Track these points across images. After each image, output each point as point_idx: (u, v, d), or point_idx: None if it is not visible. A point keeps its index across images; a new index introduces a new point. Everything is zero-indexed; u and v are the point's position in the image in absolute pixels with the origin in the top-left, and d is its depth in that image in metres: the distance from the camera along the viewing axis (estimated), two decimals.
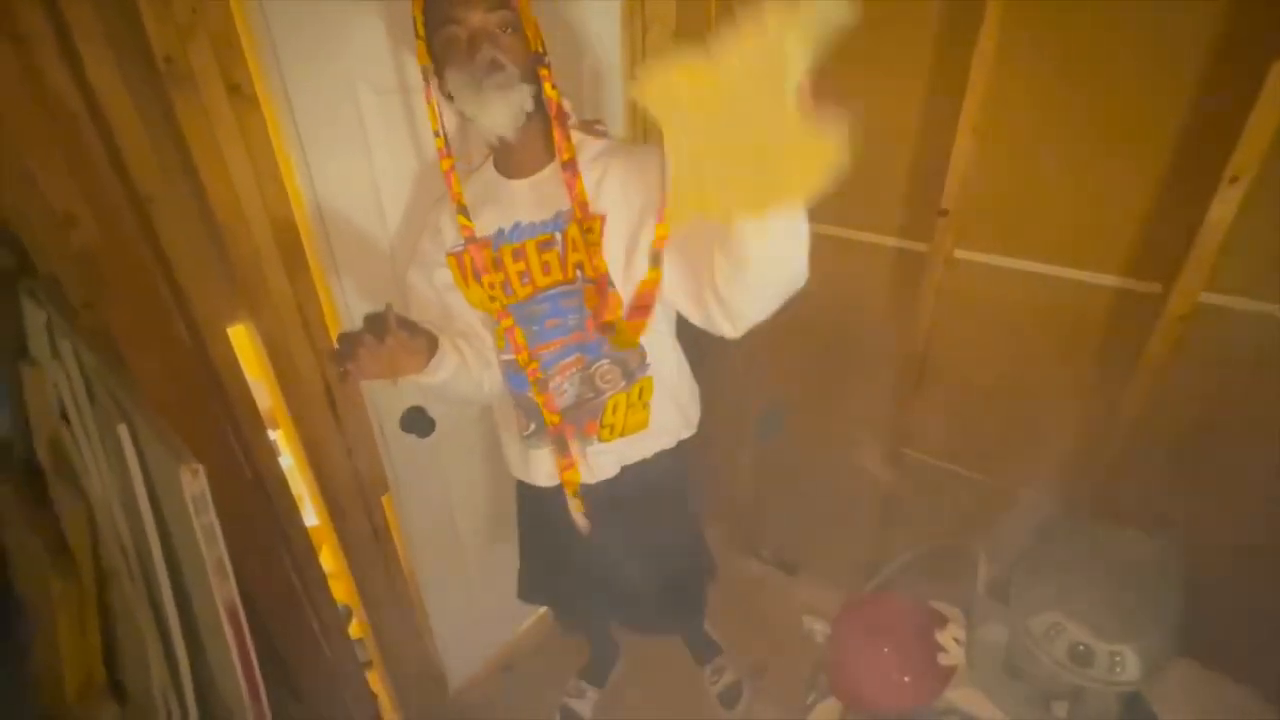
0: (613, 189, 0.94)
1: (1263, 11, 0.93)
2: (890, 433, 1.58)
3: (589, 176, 0.94)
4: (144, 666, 0.83)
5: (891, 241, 1.41)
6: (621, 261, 0.94)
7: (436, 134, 0.92)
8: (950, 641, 1.36)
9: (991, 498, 1.49)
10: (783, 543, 1.99)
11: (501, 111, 0.88)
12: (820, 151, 0.58)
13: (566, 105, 0.94)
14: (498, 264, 0.99)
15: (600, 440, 1.07)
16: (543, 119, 0.93)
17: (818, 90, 0.58)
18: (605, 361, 1.02)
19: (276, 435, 1.17)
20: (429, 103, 0.92)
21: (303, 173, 1.03)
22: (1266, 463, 1.12)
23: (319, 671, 1.23)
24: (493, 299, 0.98)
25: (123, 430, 0.67)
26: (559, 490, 1.11)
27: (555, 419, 1.04)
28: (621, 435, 1.07)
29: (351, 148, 1.08)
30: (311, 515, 1.24)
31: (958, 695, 1.32)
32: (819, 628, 1.73)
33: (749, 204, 0.63)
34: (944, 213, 1.27)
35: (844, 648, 1.48)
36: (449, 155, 0.93)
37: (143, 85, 0.81)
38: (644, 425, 1.08)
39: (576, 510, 1.11)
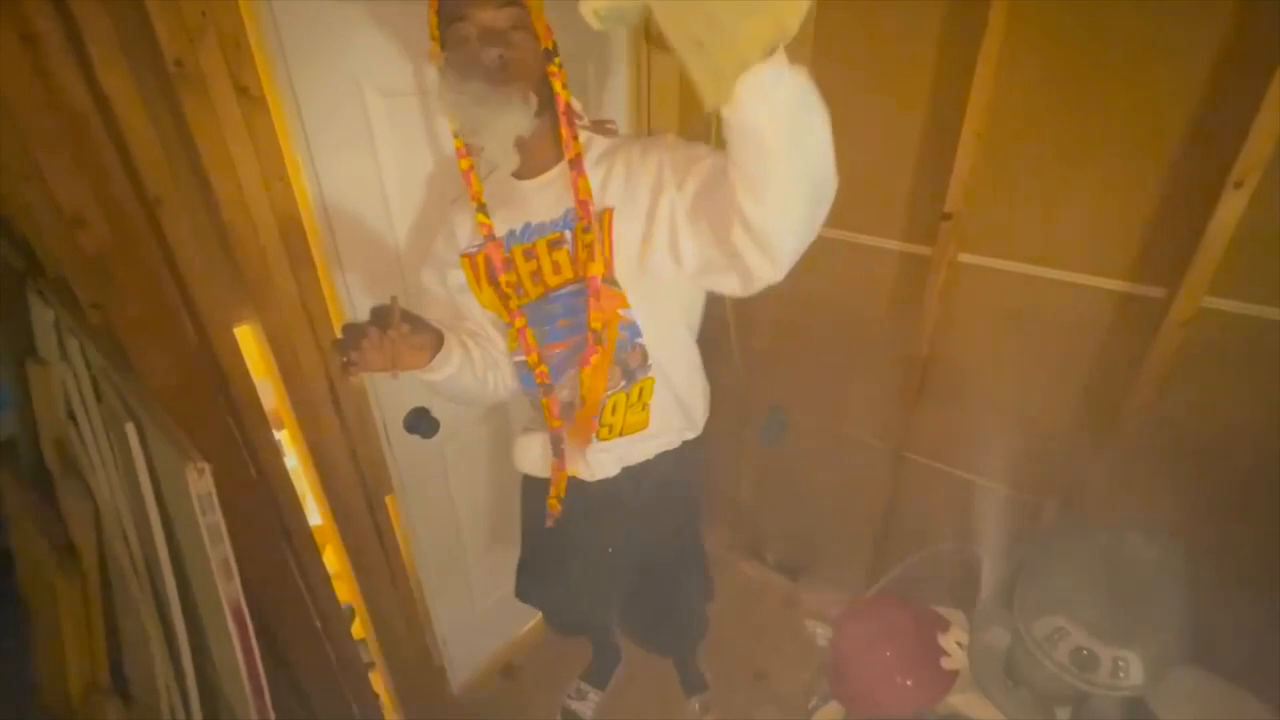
0: (618, 181, 0.94)
1: (1267, 18, 0.93)
2: (893, 436, 1.58)
3: (595, 174, 0.94)
4: (148, 665, 0.83)
5: (895, 245, 1.41)
6: (636, 250, 0.93)
7: (456, 134, 0.92)
8: (953, 646, 1.36)
9: (995, 502, 1.49)
10: (785, 546, 1.99)
11: (503, 120, 0.87)
12: None
13: (576, 105, 0.94)
14: (509, 264, 0.99)
15: (599, 439, 1.06)
16: (553, 119, 0.93)
17: None
18: None
19: (281, 435, 1.18)
20: (444, 101, 0.91)
21: (309, 174, 1.03)
22: (1270, 466, 1.12)
23: (322, 671, 1.23)
24: (506, 299, 0.98)
25: (130, 429, 0.68)
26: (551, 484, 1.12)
27: (556, 424, 1.04)
28: (621, 435, 1.06)
29: (358, 149, 1.08)
30: (315, 515, 1.24)
31: (960, 700, 1.32)
32: (821, 631, 1.73)
33: (747, 46, 0.58)
34: (947, 216, 1.27)
35: (846, 652, 1.48)
36: (467, 154, 0.93)
37: (152, 87, 0.81)
38: (644, 425, 1.07)
39: (552, 508, 1.13)
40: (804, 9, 0.55)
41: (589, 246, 0.93)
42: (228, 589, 0.63)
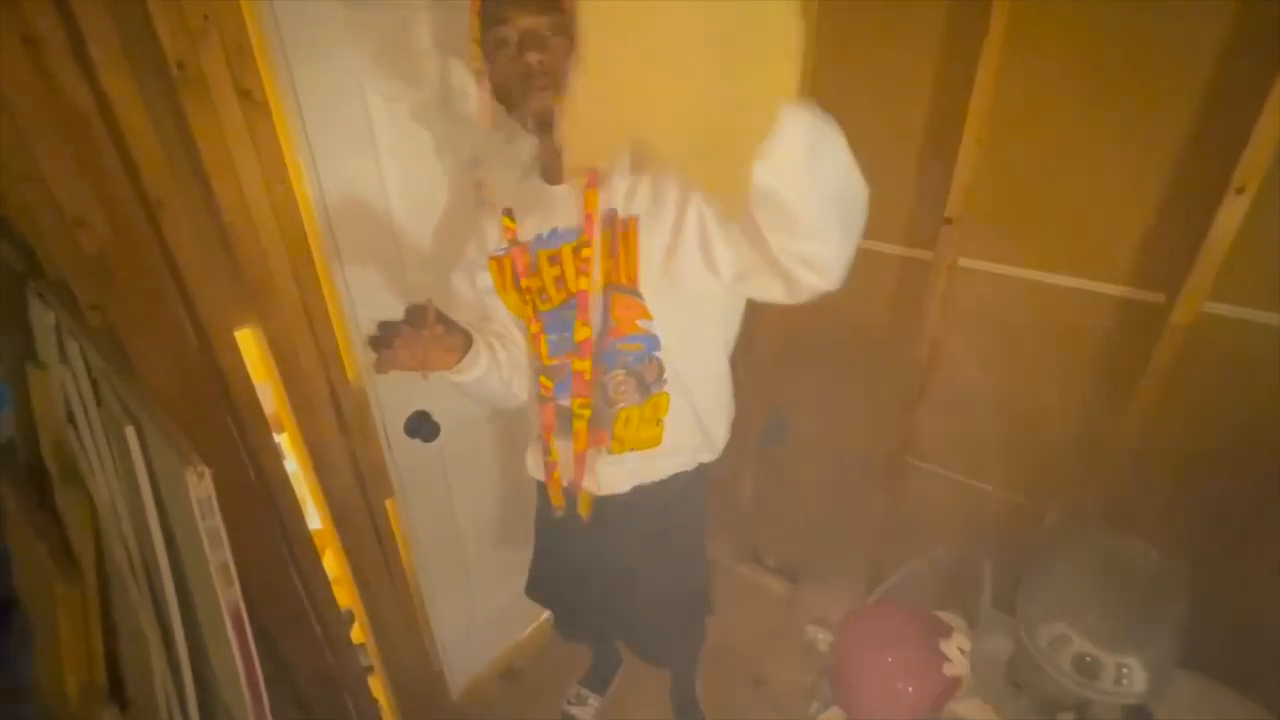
0: (645, 190, 0.92)
1: (1267, 23, 0.93)
2: (894, 441, 1.57)
3: (622, 184, 0.93)
4: (146, 670, 0.83)
5: (896, 250, 1.41)
6: (660, 261, 0.92)
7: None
8: (955, 652, 1.35)
9: (996, 507, 1.48)
10: (786, 551, 1.98)
11: (535, 120, 0.87)
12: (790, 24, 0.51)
13: None
14: (532, 268, 0.99)
15: (610, 452, 1.04)
16: None
17: None
18: (620, 372, 0.99)
19: (281, 438, 1.17)
20: (483, 105, 0.91)
21: (311, 177, 1.03)
22: (1272, 471, 1.12)
23: (321, 676, 1.23)
24: (526, 303, 0.98)
25: (130, 432, 0.68)
26: (566, 494, 1.11)
27: (548, 433, 1.04)
28: (632, 449, 1.04)
29: (360, 152, 1.08)
30: (315, 519, 1.24)
31: (962, 707, 1.31)
32: (822, 636, 1.73)
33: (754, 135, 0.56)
34: (948, 221, 1.27)
35: (847, 657, 1.47)
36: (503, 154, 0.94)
37: (154, 90, 0.81)
38: (656, 442, 1.04)
39: (556, 502, 1.11)
40: (796, 71, 0.53)
41: (585, 260, 0.93)
42: (227, 593, 0.62)
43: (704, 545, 1.32)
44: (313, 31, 0.97)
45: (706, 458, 1.12)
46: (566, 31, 0.87)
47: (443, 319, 0.87)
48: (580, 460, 1.05)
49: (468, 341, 0.93)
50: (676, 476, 1.09)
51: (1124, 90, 1.08)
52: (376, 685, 1.48)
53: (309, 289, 1.05)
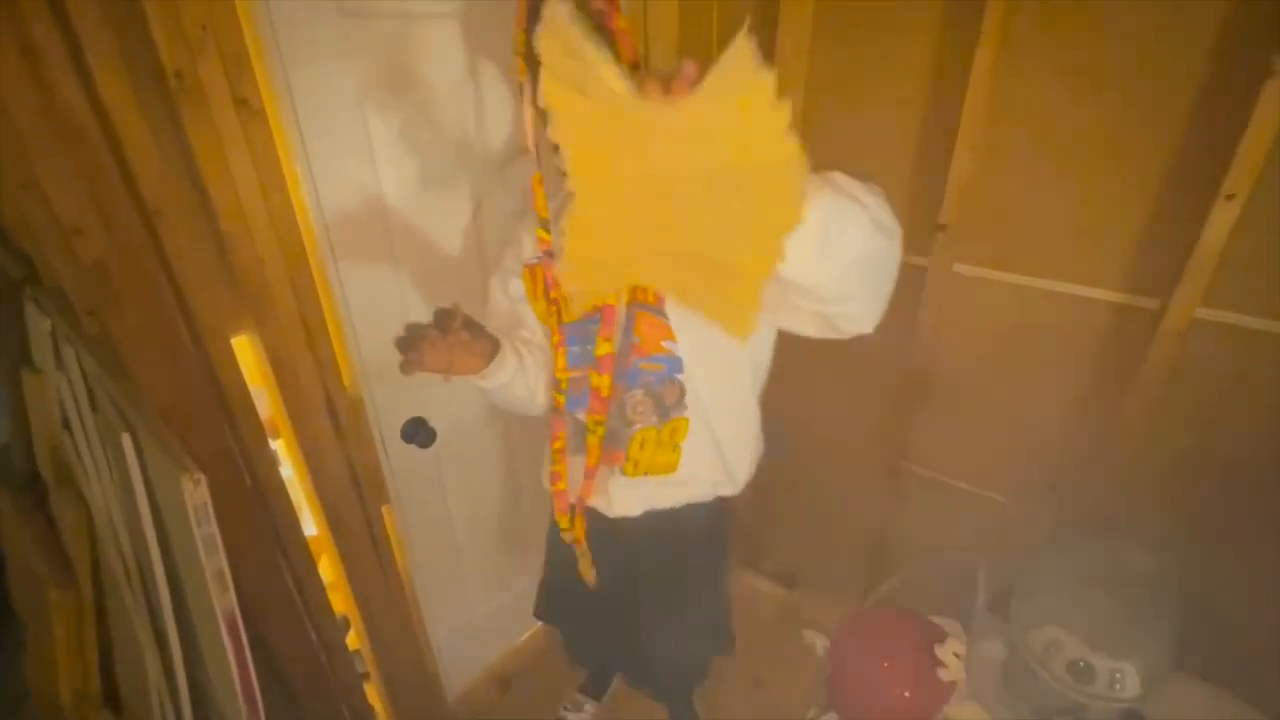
0: None
1: (1256, 32, 0.94)
2: (891, 446, 1.58)
3: None
4: (141, 677, 0.83)
5: None
6: None
7: (529, 149, 0.91)
8: (950, 657, 1.35)
9: (991, 512, 1.49)
10: (782, 556, 1.98)
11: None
12: (795, 161, 0.51)
13: None
14: None
15: (623, 474, 1.03)
16: None
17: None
18: (639, 392, 0.98)
19: (277, 444, 1.18)
20: (527, 117, 0.91)
21: (308, 185, 1.04)
22: (1264, 476, 1.13)
23: (316, 683, 1.23)
24: (552, 314, 0.98)
25: (125, 439, 0.68)
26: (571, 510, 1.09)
27: (560, 444, 1.04)
28: (646, 473, 1.02)
29: (357, 161, 1.09)
30: (311, 525, 1.24)
31: (958, 711, 1.31)
32: (819, 642, 1.73)
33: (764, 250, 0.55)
34: (943, 227, 1.28)
35: (844, 662, 1.47)
36: (539, 169, 0.91)
37: (152, 98, 0.82)
38: (672, 469, 1.02)
39: (559, 517, 1.10)
40: (799, 203, 0.51)
41: None
42: (222, 600, 0.63)
43: (725, 581, 1.26)
44: (310, 40, 0.98)
45: (726, 491, 1.09)
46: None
47: (469, 324, 0.87)
48: (590, 477, 1.04)
49: (495, 347, 0.94)
50: (693, 507, 1.07)
51: (1116, 97, 1.09)
52: (372, 692, 1.47)
53: (305, 296, 1.05)
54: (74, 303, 0.82)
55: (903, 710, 1.35)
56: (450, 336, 0.84)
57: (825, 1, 1.27)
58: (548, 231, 0.95)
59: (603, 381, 0.97)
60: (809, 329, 0.81)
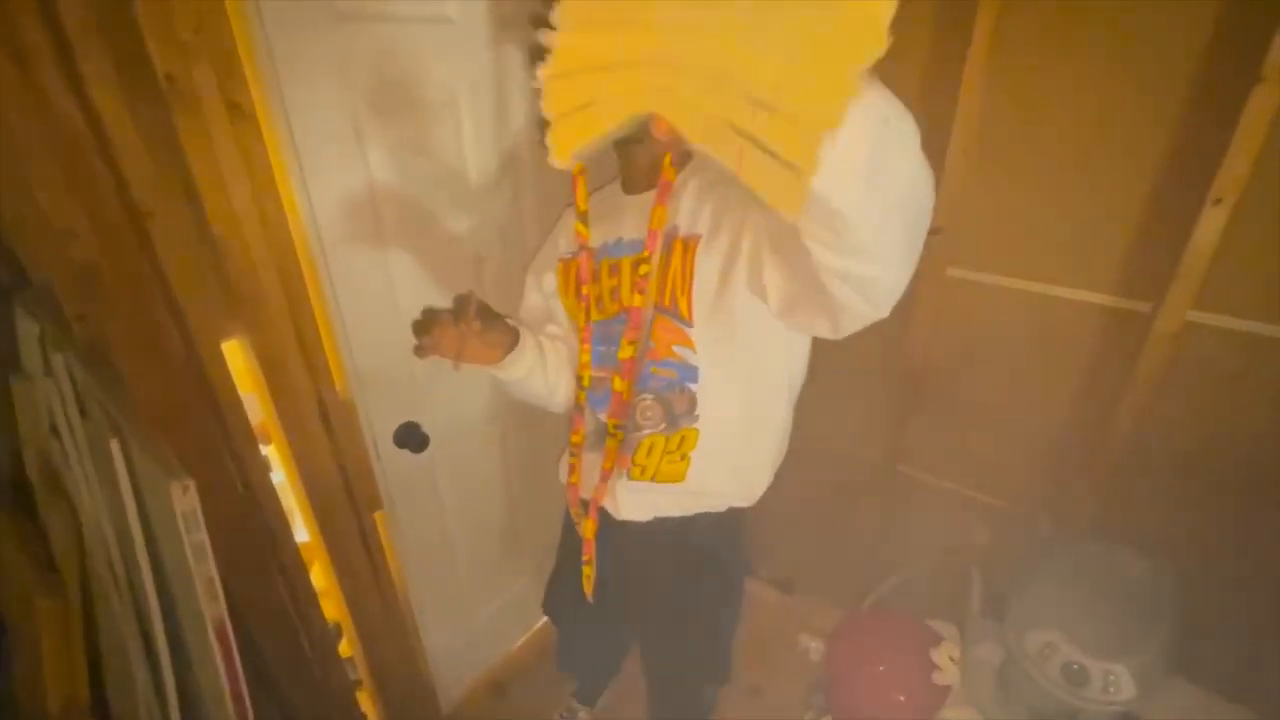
0: (709, 209, 0.89)
1: (1243, 37, 0.95)
2: (886, 450, 1.58)
3: (688, 201, 0.91)
4: (129, 686, 0.82)
5: None
6: (714, 283, 0.89)
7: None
8: (945, 660, 1.35)
9: (986, 515, 1.49)
10: (779, 560, 1.98)
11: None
12: None
13: None
14: (596, 276, 0.97)
15: (630, 477, 1.01)
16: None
17: None
18: (649, 396, 0.97)
19: (268, 450, 1.17)
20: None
21: (300, 189, 1.03)
22: (1257, 479, 1.13)
23: (308, 691, 1.21)
24: (581, 311, 0.97)
25: (114, 445, 0.67)
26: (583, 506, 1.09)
27: (578, 439, 1.04)
28: (652, 480, 1.00)
29: (350, 165, 1.08)
30: (302, 531, 1.23)
31: (953, 715, 1.31)
32: (815, 645, 1.73)
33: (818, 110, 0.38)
34: (936, 231, 1.29)
35: (840, 666, 1.47)
36: (580, 162, 0.92)
37: (143, 103, 0.81)
38: (679, 478, 0.99)
39: (572, 510, 1.11)
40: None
41: (642, 277, 0.90)
42: (212, 608, 0.62)
43: (736, 600, 1.22)
44: (302, 44, 0.97)
45: (741, 504, 1.06)
46: None
47: (485, 314, 0.88)
48: (604, 479, 1.03)
49: (513, 340, 0.94)
50: (703, 517, 1.05)
51: (1106, 102, 1.10)
52: (365, 699, 1.46)
53: (297, 300, 1.04)
54: (64, 306, 0.81)
55: (899, 713, 1.35)
56: (463, 324, 0.85)
57: None
58: (586, 226, 0.93)
59: (624, 385, 0.97)
60: (823, 324, 0.75)
